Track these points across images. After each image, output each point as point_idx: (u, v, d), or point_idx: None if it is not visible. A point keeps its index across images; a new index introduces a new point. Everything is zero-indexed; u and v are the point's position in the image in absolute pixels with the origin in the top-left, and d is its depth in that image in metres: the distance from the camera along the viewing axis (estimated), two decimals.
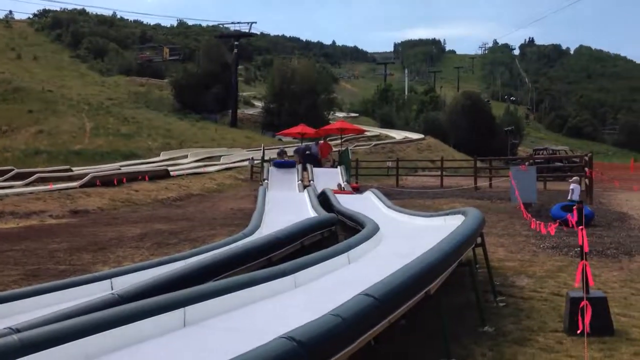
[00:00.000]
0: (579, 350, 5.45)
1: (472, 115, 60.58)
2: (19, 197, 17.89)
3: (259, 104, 61.48)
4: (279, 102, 51.98)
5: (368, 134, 49.14)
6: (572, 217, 5.73)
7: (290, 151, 27.87)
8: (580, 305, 4.90)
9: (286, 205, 14.29)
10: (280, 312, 4.74)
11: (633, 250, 10.45)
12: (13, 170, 23.68)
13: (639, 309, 6.98)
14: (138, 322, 3.87)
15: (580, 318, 5.03)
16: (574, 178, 16.69)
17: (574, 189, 15.29)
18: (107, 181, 21.04)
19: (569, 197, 15.15)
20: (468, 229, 7.12)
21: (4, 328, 3.76)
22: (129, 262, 9.55)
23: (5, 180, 21.92)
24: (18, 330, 3.61)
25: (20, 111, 40.27)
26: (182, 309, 4.23)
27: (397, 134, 56.01)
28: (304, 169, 21.85)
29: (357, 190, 19.45)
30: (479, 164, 26.38)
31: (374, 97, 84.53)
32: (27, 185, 20.48)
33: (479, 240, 7.78)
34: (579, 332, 5.33)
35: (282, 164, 22.67)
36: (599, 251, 10.31)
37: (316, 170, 21.69)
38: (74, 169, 25.84)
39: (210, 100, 52.89)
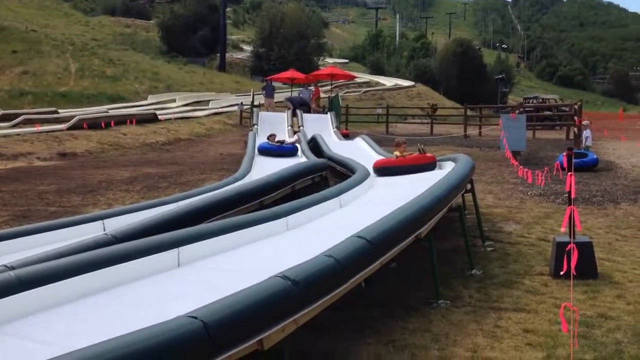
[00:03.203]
0: (564, 293, 5.60)
1: (463, 63, 60.03)
2: (5, 138, 17.69)
3: (248, 48, 60.31)
4: (268, 47, 51.06)
5: (358, 80, 48.62)
6: (564, 162, 5.75)
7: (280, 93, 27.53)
8: (567, 248, 4.99)
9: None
10: (273, 253, 4.79)
11: (619, 197, 10.61)
12: None
13: (623, 254, 7.15)
14: (133, 261, 3.91)
15: (565, 261, 5.13)
16: (585, 123, 16.80)
17: (588, 136, 15.84)
18: (94, 124, 20.78)
19: (583, 145, 15.43)
20: (458, 174, 7.16)
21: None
22: (119, 204, 9.55)
23: None
24: (13, 268, 3.63)
25: (3, 51, 39.23)
26: (176, 249, 4.27)
27: (388, 81, 55.51)
28: (294, 114, 21.68)
29: (347, 137, 19.42)
30: (469, 112, 26.31)
31: (364, 43, 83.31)
32: (13, 126, 20.22)
33: (468, 186, 7.83)
34: (562, 273, 5.43)
35: (272, 150, 13.44)
36: (585, 198, 10.46)
37: (306, 116, 21.52)
38: (60, 111, 25.45)
39: (198, 44, 51.75)
